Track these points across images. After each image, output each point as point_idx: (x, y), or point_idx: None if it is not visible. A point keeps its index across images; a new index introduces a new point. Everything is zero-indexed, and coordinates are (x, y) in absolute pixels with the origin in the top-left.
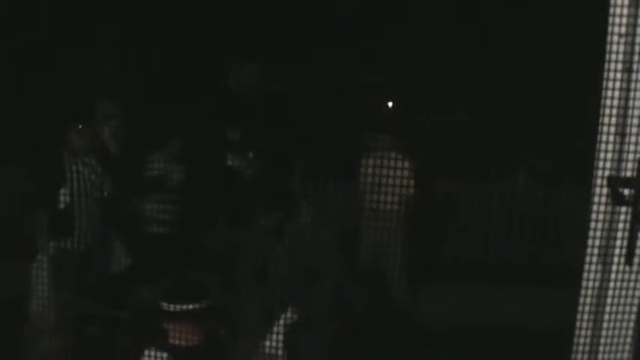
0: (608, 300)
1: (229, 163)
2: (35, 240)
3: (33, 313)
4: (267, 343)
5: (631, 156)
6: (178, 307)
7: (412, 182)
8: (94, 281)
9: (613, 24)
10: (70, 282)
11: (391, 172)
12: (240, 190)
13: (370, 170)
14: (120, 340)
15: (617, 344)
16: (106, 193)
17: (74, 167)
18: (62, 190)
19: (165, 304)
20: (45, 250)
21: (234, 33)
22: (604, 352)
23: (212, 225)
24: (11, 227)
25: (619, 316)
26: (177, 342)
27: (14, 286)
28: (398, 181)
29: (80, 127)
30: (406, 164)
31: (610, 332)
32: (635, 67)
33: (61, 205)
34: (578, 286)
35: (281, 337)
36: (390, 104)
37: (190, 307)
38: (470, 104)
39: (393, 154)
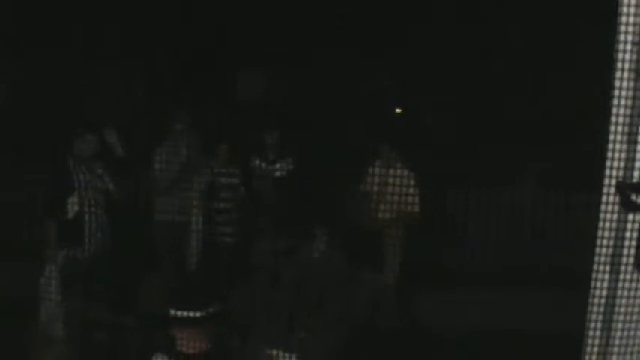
0: (617, 307)
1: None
2: (45, 248)
3: (42, 319)
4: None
5: None
6: (186, 313)
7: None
8: (102, 288)
9: (623, 31)
10: (78, 289)
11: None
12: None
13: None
14: (127, 347)
15: (628, 348)
16: (114, 199)
17: (81, 175)
18: (70, 199)
19: (172, 311)
20: (54, 257)
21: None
22: (614, 354)
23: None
24: (21, 234)
25: (627, 324)
26: (184, 348)
27: (24, 291)
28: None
29: (87, 135)
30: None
31: (620, 338)
32: None
33: (70, 214)
34: (587, 292)
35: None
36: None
37: (198, 313)
38: (479, 109)
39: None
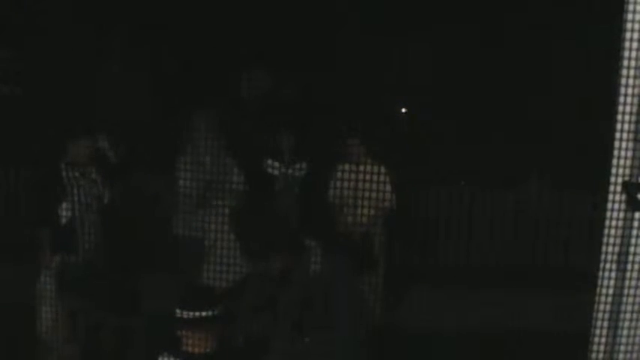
0: (623, 305)
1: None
2: (40, 255)
3: (42, 326)
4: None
5: None
6: (192, 314)
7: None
8: (102, 291)
9: (629, 29)
10: (77, 293)
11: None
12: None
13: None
14: (133, 348)
15: (635, 347)
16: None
17: (74, 180)
18: (64, 205)
19: (178, 312)
20: (50, 264)
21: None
22: (619, 352)
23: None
24: (17, 239)
25: (634, 322)
26: (190, 349)
27: (20, 297)
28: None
29: (80, 140)
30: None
31: (626, 336)
32: None
33: (64, 220)
34: (594, 291)
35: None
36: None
37: (204, 314)
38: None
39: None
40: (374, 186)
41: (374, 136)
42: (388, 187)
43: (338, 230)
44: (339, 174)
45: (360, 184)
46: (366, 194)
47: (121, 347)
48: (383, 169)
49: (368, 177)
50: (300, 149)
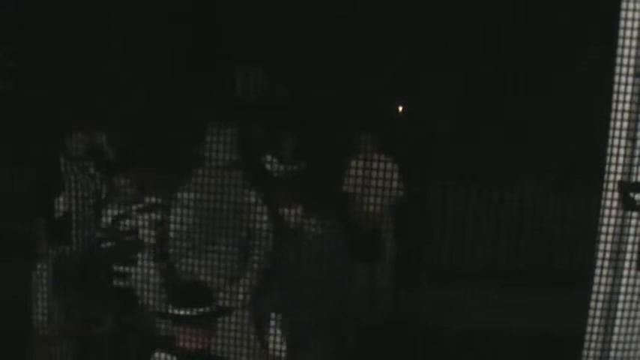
0: (619, 304)
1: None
2: (36, 248)
3: (36, 319)
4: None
5: None
6: (186, 311)
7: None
8: (99, 286)
9: (624, 29)
10: (73, 288)
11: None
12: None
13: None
14: (128, 344)
15: (629, 347)
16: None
17: (72, 174)
18: (61, 198)
19: (173, 308)
20: (46, 257)
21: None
22: (615, 351)
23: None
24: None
25: (630, 321)
26: (185, 345)
27: (16, 290)
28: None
29: (78, 134)
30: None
31: (621, 336)
32: None
33: (60, 213)
34: (589, 291)
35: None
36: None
37: (198, 310)
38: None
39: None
40: (383, 178)
41: (383, 132)
42: (397, 179)
43: (348, 219)
44: (349, 167)
45: (370, 177)
46: (375, 186)
47: (116, 342)
48: (392, 163)
49: (377, 170)
50: (300, 146)
